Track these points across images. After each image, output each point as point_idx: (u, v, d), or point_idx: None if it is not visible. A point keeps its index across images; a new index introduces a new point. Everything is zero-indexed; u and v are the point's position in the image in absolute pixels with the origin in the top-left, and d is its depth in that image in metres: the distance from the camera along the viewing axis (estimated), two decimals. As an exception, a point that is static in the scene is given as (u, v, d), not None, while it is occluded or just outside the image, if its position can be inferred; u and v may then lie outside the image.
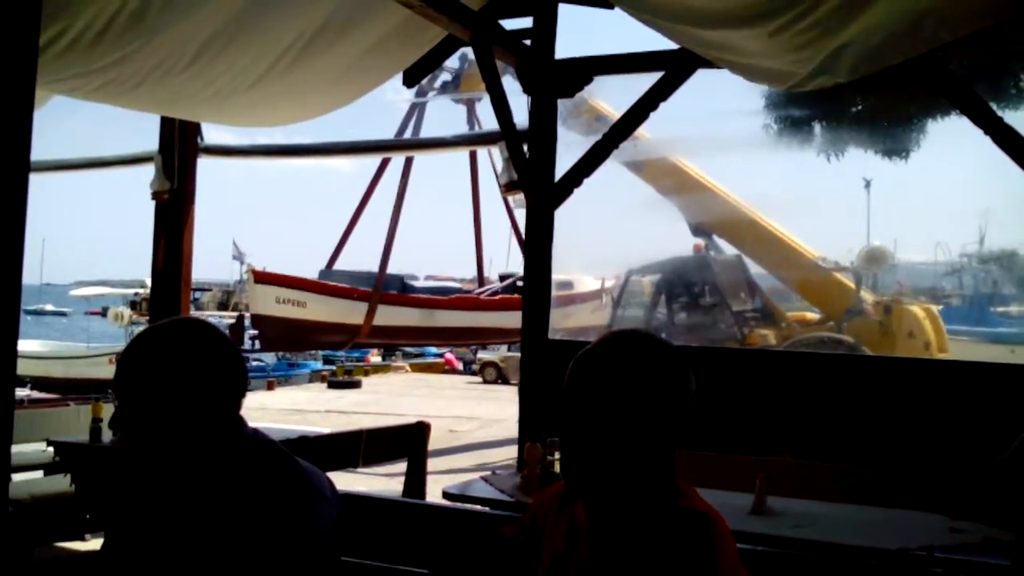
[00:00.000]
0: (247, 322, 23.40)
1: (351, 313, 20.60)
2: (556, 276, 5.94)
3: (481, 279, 25.62)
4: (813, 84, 4.66)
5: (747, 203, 14.86)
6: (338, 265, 24.09)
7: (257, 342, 22.68)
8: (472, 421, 14.33)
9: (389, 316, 21.13)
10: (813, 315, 15.00)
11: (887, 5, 3.77)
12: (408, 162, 22.24)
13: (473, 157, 23.48)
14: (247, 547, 1.61)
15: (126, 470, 1.80)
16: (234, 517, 1.64)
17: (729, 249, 15.40)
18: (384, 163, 22.08)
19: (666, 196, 14.70)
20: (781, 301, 15.47)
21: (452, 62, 20.09)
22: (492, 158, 21.66)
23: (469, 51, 19.64)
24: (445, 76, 21.18)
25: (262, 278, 20.34)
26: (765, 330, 14.32)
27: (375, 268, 21.79)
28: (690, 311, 15.13)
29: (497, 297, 23.40)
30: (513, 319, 19.44)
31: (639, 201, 15.27)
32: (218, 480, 1.69)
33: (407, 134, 21.13)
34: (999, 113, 4.87)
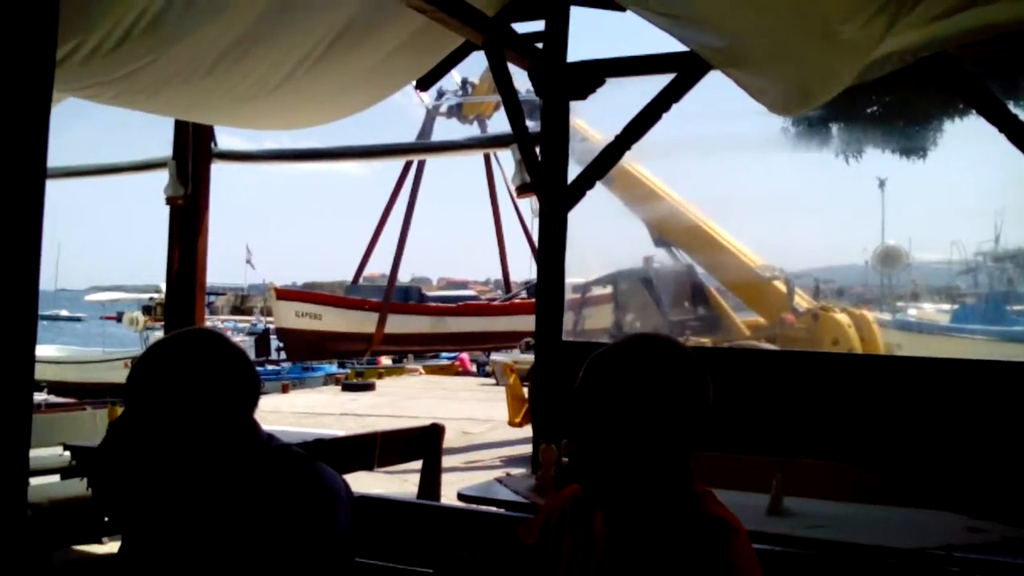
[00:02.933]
0: (272, 335, 25.79)
1: (363, 323, 22.63)
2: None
3: (507, 285, 26.90)
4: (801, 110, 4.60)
5: (698, 211, 15.32)
6: (368, 270, 25.98)
7: (283, 353, 24.92)
8: (486, 423, 14.32)
9: (401, 324, 23.23)
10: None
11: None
12: (419, 171, 23.33)
13: (489, 165, 24.51)
14: (264, 548, 1.62)
15: (140, 476, 1.81)
16: (250, 519, 1.65)
17: (686, 259, 15.85)
18: (406, 168, 23.30)
19: (630, 207, 14.92)
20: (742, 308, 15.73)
21: (455, 86, 22.06)
22: (500, 163, 22.66)
23: (470, 76, 20.57)
24: (451, 100, 22.53)
25: (283, 295, 22.95)
26: (703, 338, 14.57)
27: (399, 276, 23.66)
28: (634, 320, 15.71)
29: (508, 302, 24.58)
30: (523, 323, 20.16)
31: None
32: (233, 484, 1.70)
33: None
34: (1014, 111, 4.83)
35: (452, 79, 22.14)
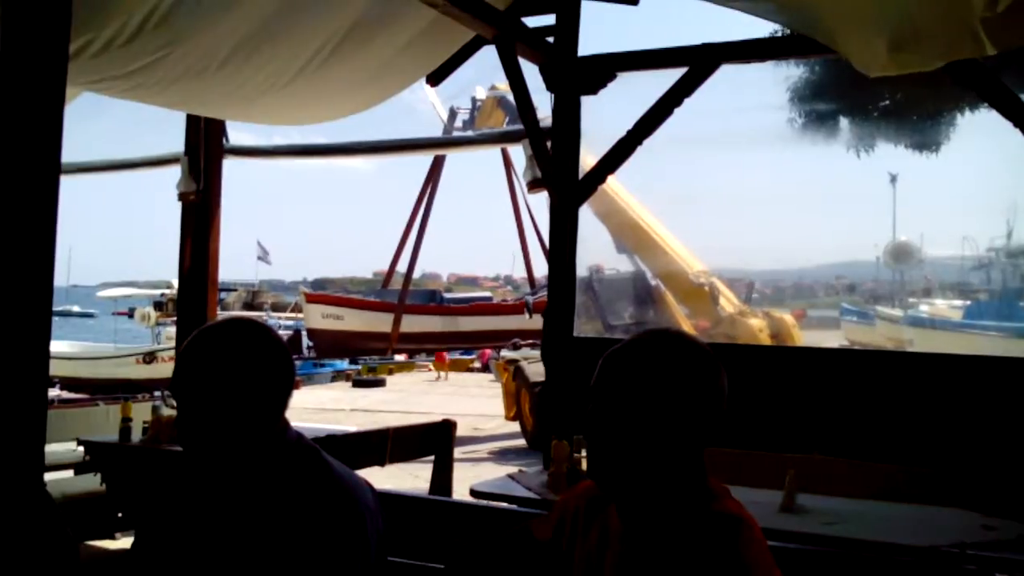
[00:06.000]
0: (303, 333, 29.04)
1: (380, 322, 25.22)
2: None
3: (531, 281, 28.59)
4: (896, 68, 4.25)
5: (647, 218, 15.84)
6: (387, 268, 29.23)
7: (313, 351, 27.59)
8: (495, 419, 14.34)
9: (416, 323, 25.85)
10: None
11: None
12: (437, 178, 24.90)
13: (508, 163, 25.60)
14: (285, 558, 1.60)
15: (172, 471, 1.80)
16: (275, 526, 1.63)
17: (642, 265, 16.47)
18: (430, 173, 24.89)
19: (599, 218, 15.22)
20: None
21: (466, 102, 24.78)
22: (510, 159, 24.01)
23: (478, 92, 22.04)
24: (463, 116, 25.08)
25: (312, 299, 26.27)
26: None
27: (421, 279, 26.05)
28: (582, 325, 16.20)
29: (519, 301, 26.29)
30: (533, 320, 20.90)
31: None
32: (261, 486, 1.68)
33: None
34: (1029, 106, 4.79)
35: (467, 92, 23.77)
